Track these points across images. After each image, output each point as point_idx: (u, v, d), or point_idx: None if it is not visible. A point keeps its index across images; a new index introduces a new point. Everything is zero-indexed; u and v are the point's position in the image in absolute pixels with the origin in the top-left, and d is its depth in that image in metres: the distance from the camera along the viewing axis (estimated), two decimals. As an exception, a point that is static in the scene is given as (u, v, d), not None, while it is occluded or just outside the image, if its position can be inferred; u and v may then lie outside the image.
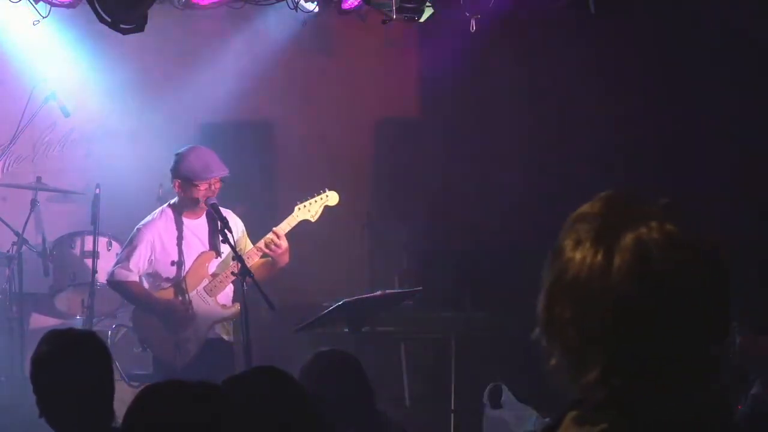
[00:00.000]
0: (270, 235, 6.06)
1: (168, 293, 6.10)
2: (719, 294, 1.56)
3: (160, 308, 6.06)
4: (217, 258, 6.16)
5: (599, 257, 1.54)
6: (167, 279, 6.12)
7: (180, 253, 6.10)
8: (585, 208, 1.62)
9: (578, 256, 1.56)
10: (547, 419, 6.66)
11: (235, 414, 2.53)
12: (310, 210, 6.22)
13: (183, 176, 6.01)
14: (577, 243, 1.57)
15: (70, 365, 3.19)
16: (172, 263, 6.10)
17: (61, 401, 3.15)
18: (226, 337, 6.22)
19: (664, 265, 1.52)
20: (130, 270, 6.07)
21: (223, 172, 6.03)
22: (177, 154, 6.08)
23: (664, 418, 1.53)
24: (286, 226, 6.13)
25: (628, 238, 1.54)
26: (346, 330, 5.84)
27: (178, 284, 6.09)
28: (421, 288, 6.24)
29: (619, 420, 1.53)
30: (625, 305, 1.51)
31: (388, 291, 6.17)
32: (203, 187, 5.98)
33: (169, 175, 6.14)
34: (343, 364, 4.17)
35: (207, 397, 2.47)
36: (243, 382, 3.20)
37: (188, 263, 6.11)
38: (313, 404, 3.13)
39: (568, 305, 1.56)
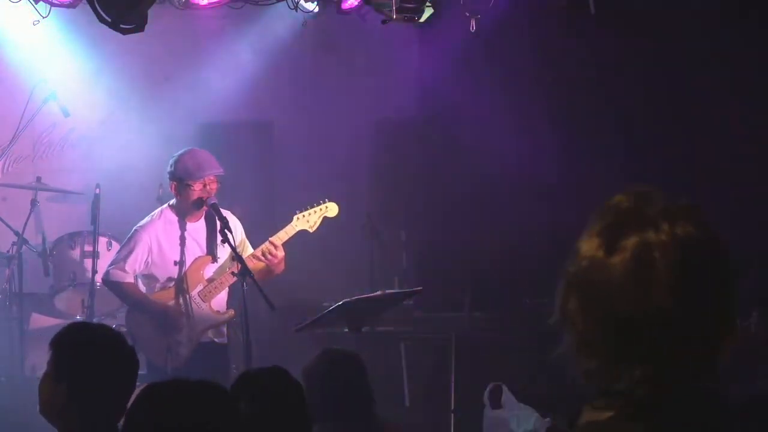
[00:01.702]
0: (267, 245, 6.04)
1: (162, 296, 6.08)
2: (717, 297, 1.59)
3: (153, 311, 6.04)
4: (213, 263, 6.14)
5: (601, 253, 1.60)
6: (163, 282, 6.10)
7: (177, 256, 6.08)
8: (614, 199, 1.66)
9: (585, 248, 1.62)
10: (546, 419, 6.66)
11: (238, 414, 2.53)
12: (309, 220, 6.20)
13: (178, 177, 6.00)
14: (589, 235, 1.63)
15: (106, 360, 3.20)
16: (169, 266, 6.08)
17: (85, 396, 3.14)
18: (217, 340, 6.21)
19: (661, 267, 1.56)
20: (125, 271, 6.05)
21: (217, 170, 6.01)
22: (172, 157, 6.07)
23: (664, 407, 1.57)
24: (283, 235, 6.11)
25: (632, 239, 1.58)
26: (346, 330, 5.84)
27: (173, 288, 6.07)
28: (421, 288, 6.24)
29: (623, 408, 1.58)
30: (621, 302, 1.57)
31: (388, 291, 6.16)
32: (197, 187, 5.96)
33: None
34: (345, 364, 4.18)
35: (208, 397, 2.47)
36: (256, 381, 3.22)
37: (184, 267, 6.10)
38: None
39: (575, 294, 1.62)
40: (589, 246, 1.62)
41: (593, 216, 1.65)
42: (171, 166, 6.03)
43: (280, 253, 6.02)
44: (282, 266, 6.10)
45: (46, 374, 3.21)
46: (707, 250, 1.59)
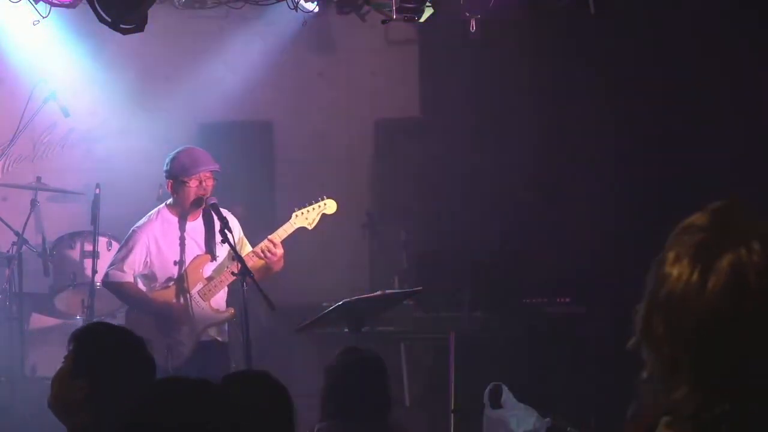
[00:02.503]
0: (265, 242, 6.04)
1: (162, 295, 6.07)
2: None
3: (153, 310, 6.03)
4: (212, 261, 6.13)
5: (695, 276, 1.54)
6: (162, 281, 6.09)
7: (176, 255, 6.08)
8: (692, 218, 1.61)
9: (676, 272, 1.56)
10: (547, 419, 6.66)
11: (237, 413, 2.53)
12: (307, 218, 6.19)
13: (173, 175, 6.01)
14: (677, 258, 1.57)
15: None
16: (168, 265, 6.07)
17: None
18: (219, 338, 6.20)
19: (760, 289, 1.51)
20: (124, 271, 6.04)
21: (213, 166, 6.00)
22: (168, 156, 6.08)
23: None
24: (282, 233, 6.10)
25: (726, 260, 1.53)
26: (346, 330, 5.84)
27: (173, 287, 6.07)
28: (421, 288, 6.24)
29: None
30: (718, 327, 1.52)
31: (388, 291, 6.16)
32: (193, 184, 5.96)
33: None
34: (364, 364, 4.19)
35: (208, 396, 2.47)
36: (237, 384, 3.21)
37: (183, 266, 6.10)
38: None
39: (663, 320, 1.57)
40: (680, 270, 1.56)
41: (674, 236, 1.60)
42: (167, 164, 6.04)
43: (279, 251, 6.02)
44: (281, 264, 6.09)
45: (62, 369, 3.21)
46: None
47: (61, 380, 3.19)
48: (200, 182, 5.96)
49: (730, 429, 1.53)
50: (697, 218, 1.60)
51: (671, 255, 1.58)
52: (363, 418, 4.08)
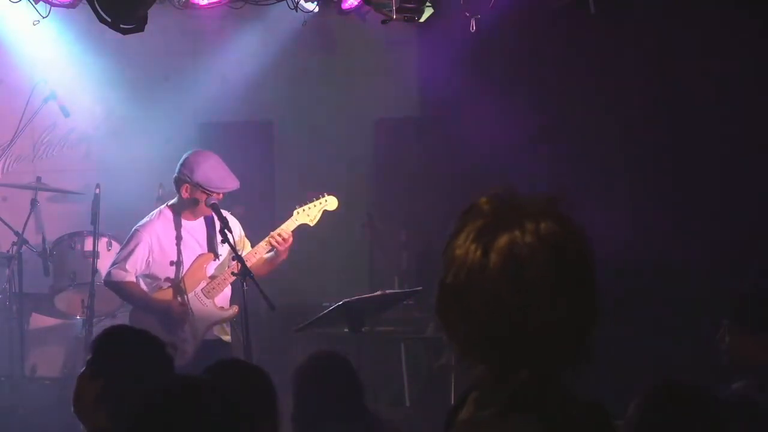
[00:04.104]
0: (276, 235, 6.08)
1: (166, 294, 6.08)
2: (584, 288, 1.65)
3: (157, 309, 6.04)
4: (215, 260, 6.14)
5: (477, 256, 1.64)
6: (165, 280, 6.10)
7: (178, 254, 6.08)
8: (476, 202, 1.71)
9: (461, 253, 1.67)
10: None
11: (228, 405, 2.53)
12: (309, 214, 6.21)
13: (196, 183, 5.98)
14: (463, 240, 1.68)
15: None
16: (170, 265, 6.08)
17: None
18: (224, 338, 6.21)
19: (532, 266, 1.61)
20: (126, 270, 6.04)
21: (237, 184, 6.05)
22: (188, 160, 6.01)
23: (544, 401, 1.64)
24: (285, 228, 6.13)
25: (502, 240, 1.63)
26: (346, 330, 5.84)
27: (176, 286, 6.07)
28: (421, 288, 6.24)
29: (506, 405, 1.64)
30: (501, 303, 1.61)
31: (388, 291, 6.16)
32: (216, 197, 5.99)
33: (170, 175, 6.12)
34: (332, 364, 4.19)
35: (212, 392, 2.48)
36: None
37: (186, 265, 6.10)
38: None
39: (453, 300, 1.67)
40: (463, 252, 1.66)
41: (459, 219, 1.69)
42: (188, 168, 5.97)
43: (290, 240, 6.06)
44: (287, 253, 6.12)
45: (84, 370, 3.22)
46: (571, 246, 1.65)
47: (81, 381, 3.20)
48: (221, 195, 6.01)
49: (529, 398, 1.63)
50: (480, 202, 1.70)
51: (457, 238, 1.69)
52: (343, 418, 4.06)
